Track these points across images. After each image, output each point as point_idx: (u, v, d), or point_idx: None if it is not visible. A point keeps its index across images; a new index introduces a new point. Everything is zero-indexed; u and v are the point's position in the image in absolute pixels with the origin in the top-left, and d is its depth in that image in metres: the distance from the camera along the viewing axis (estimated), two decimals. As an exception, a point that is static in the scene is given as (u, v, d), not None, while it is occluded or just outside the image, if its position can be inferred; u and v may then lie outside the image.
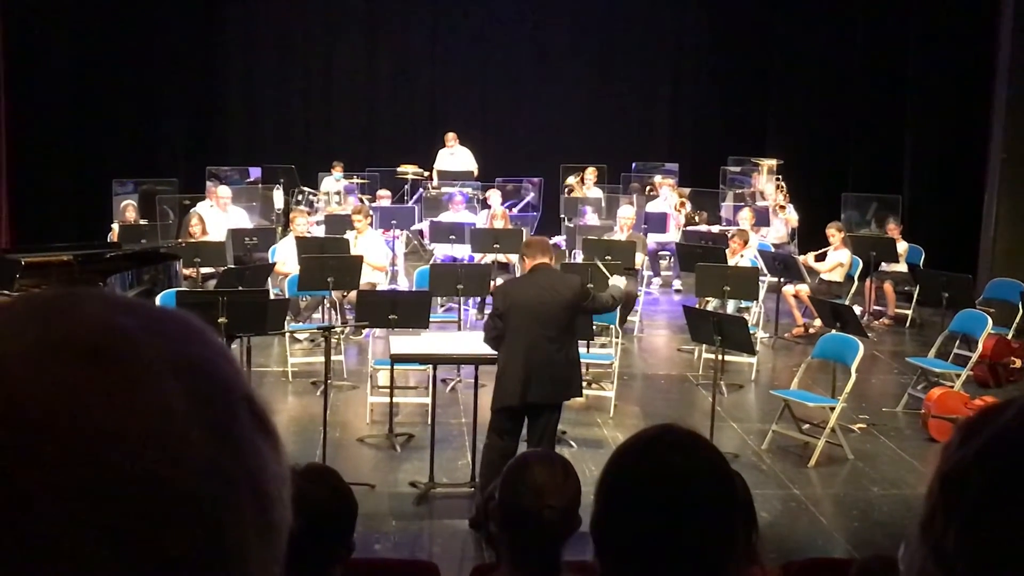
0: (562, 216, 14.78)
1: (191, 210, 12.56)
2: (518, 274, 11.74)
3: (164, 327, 0.68)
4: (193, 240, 11.45)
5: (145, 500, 0.61)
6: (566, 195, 15.32)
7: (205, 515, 0.63)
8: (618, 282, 7.42)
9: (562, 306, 6.56)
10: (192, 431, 0.63)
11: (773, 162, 15.59)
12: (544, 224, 15.34)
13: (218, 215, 12.59)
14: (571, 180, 15.77)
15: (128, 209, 13.03)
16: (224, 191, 13.14)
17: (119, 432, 0.61)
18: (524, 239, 6.99)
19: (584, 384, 9.44)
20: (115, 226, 12.74)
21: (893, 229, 12.66)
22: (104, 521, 0.60)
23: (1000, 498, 0.77)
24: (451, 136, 16.45)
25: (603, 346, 9.96)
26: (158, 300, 8.77)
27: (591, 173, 15.67)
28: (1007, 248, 12.06)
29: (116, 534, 0.60)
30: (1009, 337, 10.05)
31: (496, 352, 6.71)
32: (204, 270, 10.95)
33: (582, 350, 9.39)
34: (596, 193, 15.22)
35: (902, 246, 12.46)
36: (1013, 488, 0.77)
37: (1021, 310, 10.09)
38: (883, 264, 12.34)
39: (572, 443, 8.09)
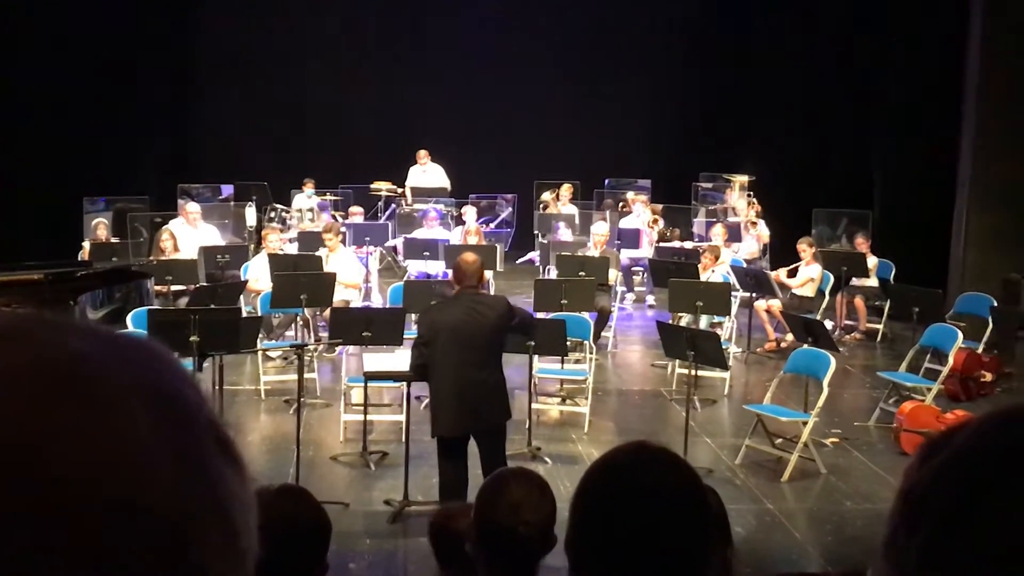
0: (536, 232, 14.80)
1: (162, 227, 12.49)
2: (493, 290, 11.76)
3: (128, 353, 0.67)
4: (164, 258, 11.39)
5: (111, 527, 0.60)
6: (541, 211, 15.35)
7: (171, 542, 0.63)
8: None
9: (488, 329, 6.45)
10: (157, 458, 0.63)
11: (745, 178, 15.70)
12: (518, 240, 15.37)
13: (190, 232, 12.54)
14: (546, 196, 15.81)
15: (99, 227, 12.96)
16: (193, 207, 13.08)
17: (84, 459, 0.61)
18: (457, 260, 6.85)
19: (558, 400, 9.53)
20: (86, 244, 12.67)
21: (862, 244, 12.75)
22: (71, 548, 0.59)
23: (958, 517, 0.77)
24: (423, 153, 16.46)
25: (577, 362, 9.97)
26: (129, 318, 8.72)
27: (566, 190, 15.72)
28: (977, 263, 12.18)
29: (83, 560, 0.59)
30: (979, 351, 10.13)
31: (424, 381, 6.65)
32: (176, 288, 10.89)
33: (556, 366, 9.47)
34: (570, 209, 15.26)
35: (872, 261, 12.55)
36: (970, 507, 0.77)
37: (991, 324, 10.17)
38: (854, 279, 12.43)
39: (547, 459, 8.08)
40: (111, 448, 0.62)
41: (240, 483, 0.69)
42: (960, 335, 9.49)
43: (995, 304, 10.69)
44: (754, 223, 14.11)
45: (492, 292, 11.69)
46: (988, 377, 9.97)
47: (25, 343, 0.65)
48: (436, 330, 6.52)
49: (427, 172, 16.42)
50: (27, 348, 0.64)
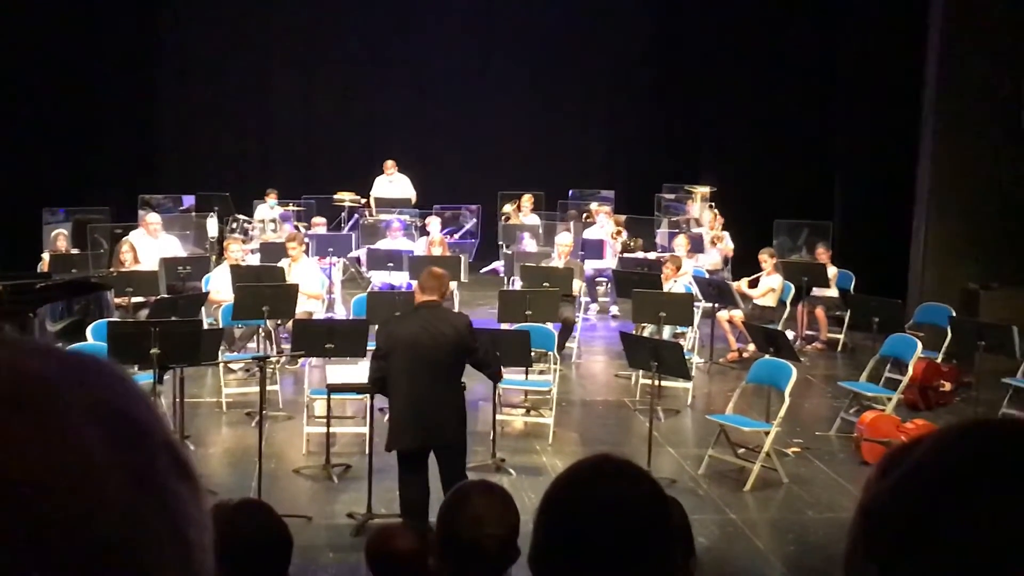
0: (500, 243, 14.81)
1: (123, 238, 12.37)
2: (457, 302, 11.76)
3: (82, 372, 0.67)
4: (125, 269, 11.28)
5: (65, 547, 0.60)
6: (503, 223, 15.36)
7: (125, 561, 0.62)
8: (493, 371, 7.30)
9: (444, 345, 6.41)
10: (111, 477, 0.63)
11: (707, 189, 15.80)
12: (483, 251, 15.37)
13: (150, 243, 12.43)
14: (507, 208, 15.82)
15: (59, 238, 12.83)
16: (154, 218, 12.96)
17: (37, 479, 0.60)
18: (424, 272, 6.84)
19: (523, 411, 9.53)
20: (45, 255, 12.53)
21: (823, 254, 12.85)
22: (24, 569, 0.59)
23: (917, 534, 0.78)
24: (390, 164, 16.43)
25: (541, 373, 9.98)
26: (89, 331, 8.63)
27: (527, 200, 15.74)
28: (936, 273, 12.30)
29: None
30: (939, 361, 10.23)
31: (383, 394, 6.64)
32: (136, 300, 10.79)
33: (520, 377, 9.47)
34: (533, 220, 15.28)
35: (832, 271, 12.65)
36: (928, 524, 0.78)
37: (950, 334, 10.28)
38: (815, 289, 12.52)
39: (511, 471, 8.07)
40: (64, 468, 0.61)
41: (196, 502, 0.69)
42: (919, 345, 9.58)
43: (954, 314, 10.80)
44: (720, 237, 14.18)
45: (456, 303, 11.70)
46: (947, 387, 10.07)
47: None
48: (393, 343, 6.49)
49: (393, 182, 16.40)
50: None
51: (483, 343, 6.81)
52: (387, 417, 8.96)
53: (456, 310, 9.49)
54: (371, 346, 8.61)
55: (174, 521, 0.66)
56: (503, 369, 8.66)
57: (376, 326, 9.96)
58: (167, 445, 0.68)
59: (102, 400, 0.66)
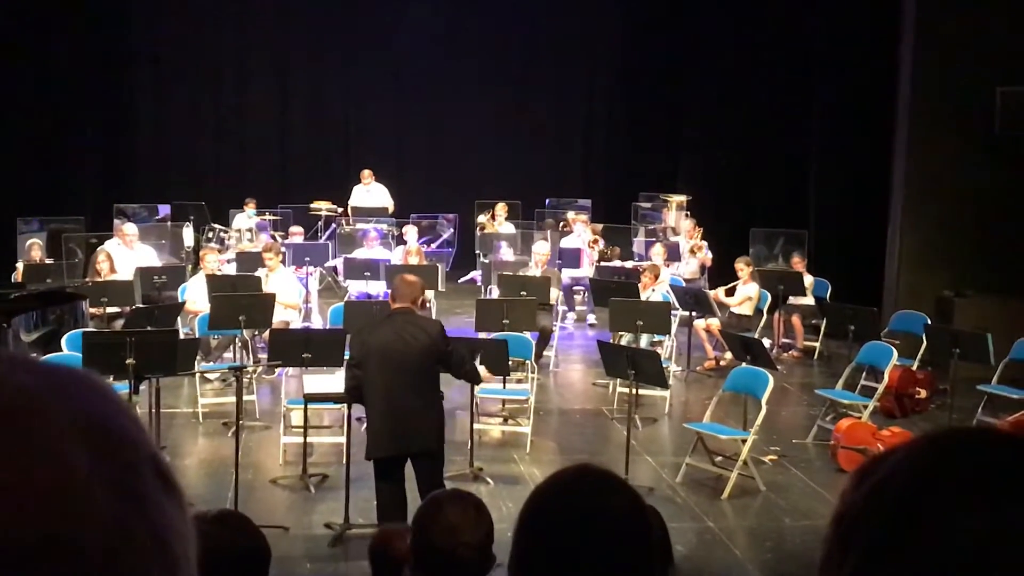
0: (477, 252, 14.81)
1: (98, 248, 12.30)
2: (434, 311, 11.74)
3: (66, 386, 0.67)
4: (100, 279, 11.21)
5: (50, 560, 0.60)
6: (479, 232, 15.36)
7: (111, 574, 0.62)
8: (480, 369, 7.25)
9: (418, 351, 6.41)
10: (96, 491, 0.63)
11: (683, 198, 15.86)
12: (460, 260, 15.37)
13: (126, 253, 12.36)
14: (482, 219, 15.79)
15: (33, 248, 12.74)
16: (130, 228, 12.91)
17: (22, 493, 0.60)
18: (397, 279, 6.88)
19: (500, 420, 9.52)
20: (19, 265, 12.44)
21: (798, 263, 12.92)
22: None
23: (888, 543, 0.79)
24: (367, 173, 16.41)
25: (519, 381, 9.98)
26: (64, 341, 8.57)
27: (502, 209, 15.73)
28: (910, 281, 12.38)
29: None
30: (914, 368, 10.29)
31: (355, 402, 6.64)
32: (111, 310, 10.72)
33: (497, 386, 9.47)
34: (509, 229, 15.29)
35: (808, 280, 12.72)
36: (899, 533, 0.78)
37: (925, 342, 10.34)
38: (791, 298, 12.58)
39: (489, 480, 8.06)
40: (48, 482, 0.61)
41: (179, 514, 0.69)
42: (895, 353, 9.64)
43: (929, 322, 10.88)
44: (699, 247, 14.22)
45: (434, 311, 11.69)
46: (923, 394, 10.14)
47: None
48: (366, 351, 6.49)
49: (371, 192, 16.37)
50: None
51: (456, 346, 6.80)
52: (364, 427, 8.98)
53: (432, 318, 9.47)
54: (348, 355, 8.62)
55: (159, 533, 0.66)
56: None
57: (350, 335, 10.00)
58: (151, 458, 0.69)
59: (86, 413, 0.66)
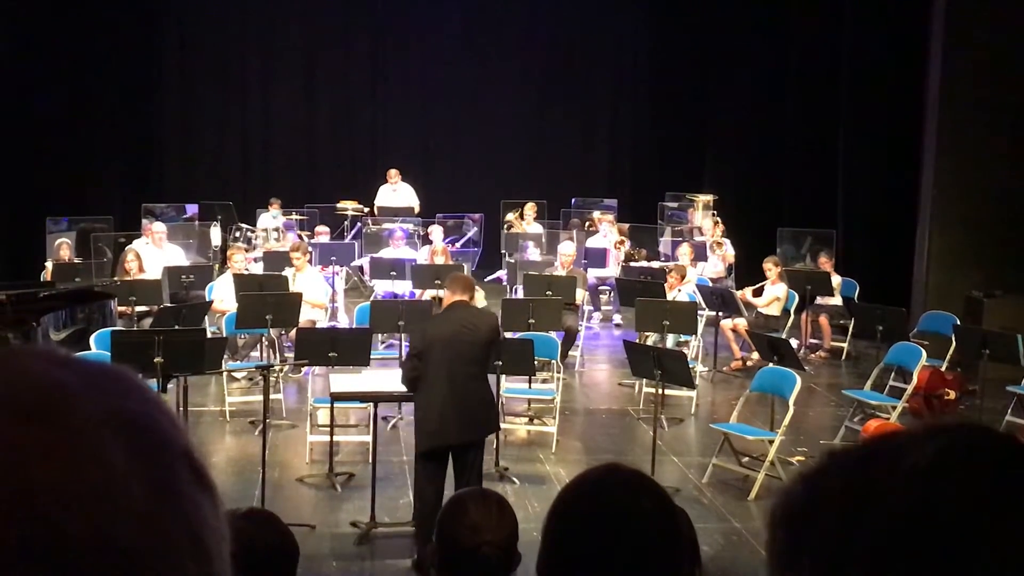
0: (503, 252, 14.81)
1: (127, 247, 12.39)
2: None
3: (102, 383, 0.68)
4: (128, 278, 11.29)
5: (87, 556, 0.60)
6: (506, 231, 15.37)
7: (147, 571, 0.63)
8: None
9: (480, 343, 6.57)
10: (133, 487, 0.63)
11: (709, 197, 15.80)
12: (485, 260, 15.37)
13: (154, 252, 12.44)
14: (511, 216, 15.82)
15: (62, 247, 12.84)
16: (159, 227, 13.01)
17: (60, 489, 0.61)
18: (450, 275, 7.02)
19: (526, 420, 9.52)
20: (49, 264, 12.54)
21: (826, 263, 12.85)
22: None
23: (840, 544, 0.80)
24: (393, 173, 16.44)
25: (544, 381, 9.97)
26: (92, 340, 8.63)
27: (530, 209, 15.74)
28: (939, 281, 12.29)
29: None
30: (943, 369, 10.21)
31: (412, 393, 6.68)
32: (139, 308, 10.79)
33: (523, 386, 9.47)
34: (536, 228, 15.29)
35: (836, 280, 12.65)
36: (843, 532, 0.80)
37: (954, 342, 10.26)
38: (818, 298, 12.51)
39: (515, 479, 8.07)
40: (86, 479, 0.62)
41: (214, 511, 0.69)
42: (924, 353, 9.56)
43: (958, 322, 10.79)
44: (720, 243, 14.18)
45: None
46: (952, 395, 10.05)
47: (7, 373, 0.65)
48: (429, 343, 6.55)
49: (397, 191, 16.41)
50: (8, 378, 0.65)
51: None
52: (391, 425, 9.00)
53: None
54: (375, 355, 8.66)
55: (194, 530, 0.66)
56: (506, 377, 8.70)
57: (382, 335, 10.02)
58: (186, 454, 0.69)
59: (122, 410, 0.66)
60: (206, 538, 0.67)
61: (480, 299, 9.27)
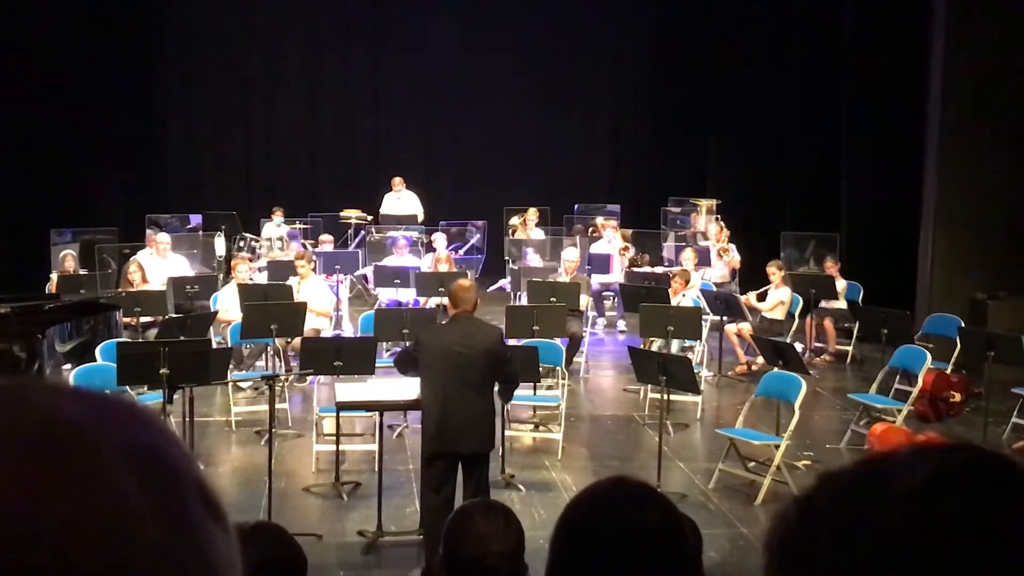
0: (506, 258, 14.82)
1: (131, 258, 12.42)
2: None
3: (113, 415, 0.68)
4: (133, 289, 11.30)
5: None
6: (510, 236, 15.37)
7: None
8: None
9: (480, 354, 6.53)
10: (146, 519, 0.64)
11: (712, 202, 15.80)
12: (489, 266, 15.38)
13: (158, 263, 12.47)
14: (514, 221, 15.83)
15: (67, 259, 12.86)
16: (164, 237, 13.04)
17: (74, 523, 0.61)
18: (452, 287, 7.05)
19: (532, 427, 9.52)
20: (54, 276, 12.56)
21: (831, 267, 12.85)
22: None
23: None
24: (398, 181, 16.46)
25: (549, 388, 9.96)
26: (98, 351, 8.64)
27: (533, 214, 15.75)
28: (943, 284, 12.27)
29: None
30: (948, 371, 10.20)
31: (403, 375, 6.88)
32: (144, 319, 10.81)
33: (528, 392, 9.47)
34: (538, 234, 15.29)
35: (841, 283, 12.64)
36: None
37: (959, 345, 10.25)
38: (823, 301, 12.51)
39: (520, 487, 8.06)
40: (101, 515, 0.62)
41: (227, 542, 0.70)
42: (929, 356, 9.56)
43: (963, 325, 10.78)
44: (726, 249, 14.17)
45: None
46: (957, 397, 10.03)
47: (17, 407, 0.66)
48: (429, 348, 6.62)
49: (402, 199, 16.43)
50: (19, 412, 0.65)
51: (513, 357, 6.86)
52: (397, 434, 9.00)
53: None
54: (381, 363, 8.66)
55: (207, 561, 0.67)
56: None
57: (387, 343, 10.04)
58: (198, 485, 0.69)
59: (134, 443, 0.67)
60: (219, 569, 0.67)
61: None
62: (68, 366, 8.84)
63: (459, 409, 6.50)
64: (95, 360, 8.52)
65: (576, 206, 16.86)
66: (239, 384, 10.08)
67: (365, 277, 14.29)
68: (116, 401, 0.71)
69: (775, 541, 0.85)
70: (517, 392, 9.24)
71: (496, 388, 6.91)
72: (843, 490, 0.83)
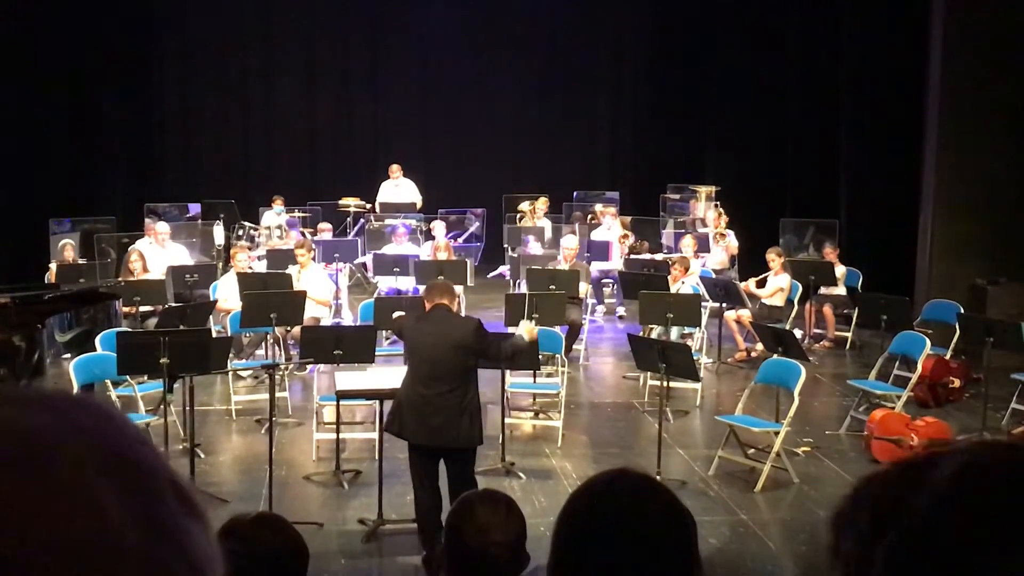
0: (506, 246, 14.81)
1: (130, 247, 12.41)
2: (464, 306, 11.76)
3: (78, 419, 0.66)
4: (132, 278, 11.30)
5: None
6: (517, 223, 15.32)
7: None
8: (522, 332, 7.10)
9: (450, 346, 6.50)
10: (127, 530, 0.62)
11: (711, 188, 15.78)
12: (488, 254, 15.37)
13: (158, 252, 12.46)
14: (524, 207, 15.72)
15: (66, 248, 12.86)
16: (163, 227, 13.02)
17: (57, 546, 0.60)
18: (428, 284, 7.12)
19: (532, 414, 9.53)
20: (53, 266, 12.56)
21: (830, 253, 12.84)
22: None
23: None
24: (395, 168, 16.44)
25: (549, 375, 9.98)
26: (98, 341, 8.65)
27: (543, 203, 15.68)
28: (943, 270, 12.28)
29: None
30: (947, 357, 10.21)
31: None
32: (144, 309, 10.81)
33: (528, 380, 9.47)
34: (546, 222, 15.25)
35: (840, 270, 12.64)
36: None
37: (958, 331, 10.26)
38: (822, 288, 12.51)
39: (521, 474, 8.08)
40: (81, 531, 0.61)
41: (207, 538, 0.69)
42: (928, 342, 9.56)
43: (962, 311, 10.78)
44: (723, 235, 14.17)
45: (463, 307, 11.70)
46: (957, 383, 10.05)
47: None
48: (406, 339, 6.79)
49: (399, 187, 16.41)
50: None
51: (493, 340, 6.82)
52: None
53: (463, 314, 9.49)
54: (380, 351, 8.67)
55: (191, 561, 0.66)
56: (511, 372, 8.70)
57: (386, 331, 10.05)
58: (172, 483, 0.68)
59: (105, 447, 0.65)
60: (202, 566, 0.67)
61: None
62: (68, 356, 8.85)
63: (429, 403, 6.49)
64: (95, 350, 8.52)
65: (575, 193, 16.84)
66: (239, 373, 10.09)
67: (364, 265, 14.28)
68: (79, 402, 0.69)
69: (831, 520, 0.92)
70: (516, 380, 9.32)
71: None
72: (889, 479, 0.87)
